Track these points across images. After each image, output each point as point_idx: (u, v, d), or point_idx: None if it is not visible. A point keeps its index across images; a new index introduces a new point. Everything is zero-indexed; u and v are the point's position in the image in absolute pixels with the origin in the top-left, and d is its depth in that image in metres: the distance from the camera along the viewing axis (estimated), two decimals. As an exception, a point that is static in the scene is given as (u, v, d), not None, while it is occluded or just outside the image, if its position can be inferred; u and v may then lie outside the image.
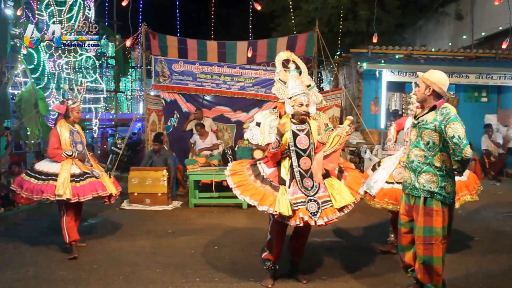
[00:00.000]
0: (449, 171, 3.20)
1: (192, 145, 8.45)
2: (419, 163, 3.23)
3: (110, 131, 13.71)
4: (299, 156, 3.67)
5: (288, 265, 3.99)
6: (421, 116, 3.28)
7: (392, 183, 4.48)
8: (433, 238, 3.16)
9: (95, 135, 11.46)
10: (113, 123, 13.21)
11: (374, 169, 5.03)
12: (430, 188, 3.17)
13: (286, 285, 3.81)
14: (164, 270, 4.18)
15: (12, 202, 6.76)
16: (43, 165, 4.70)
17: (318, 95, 3.93)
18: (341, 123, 10.00)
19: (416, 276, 3.36)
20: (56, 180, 4.48)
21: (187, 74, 8.91)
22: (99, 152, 12.59)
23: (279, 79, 3.83)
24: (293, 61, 3.91)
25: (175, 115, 9.20)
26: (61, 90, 8.84)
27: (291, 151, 3.68)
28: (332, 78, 13.25)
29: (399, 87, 10.14)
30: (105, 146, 13.44)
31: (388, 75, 9.90)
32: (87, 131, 10.87)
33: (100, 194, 4.68)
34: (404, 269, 3.54)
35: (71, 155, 4.65)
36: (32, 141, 8.50)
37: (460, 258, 4.49)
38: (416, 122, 3.31)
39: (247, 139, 3.88)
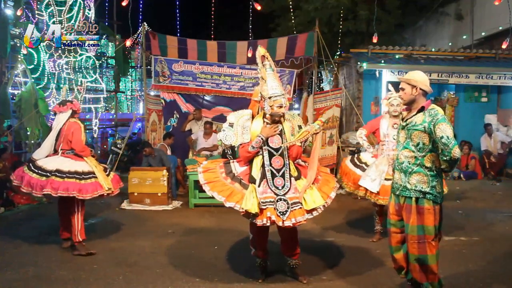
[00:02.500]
0: (438, 171, 3.25)
1: (192, 142, 8.44)
2: (409, 164, 3.26)
3: (110, 131, 13.71)
4: (271, 155, 3.71)
5: (287, 266, 3.98)
6: (409, 118, 3.32)
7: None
8: (425, 237, 3.19)
9: (95, 135, 11.46)
10: (113, 123, 13.21)
11: (356, 164, 5.16)
12: (422, 188, 3.19)
13: (286, 285, 3.81)
14: (164, 270, 4.18)
15: (12, 202, 6.76)
16: (66, 164, 4.63)
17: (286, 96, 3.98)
18: (341, 123, 10.06)
19: (411, 276, 3.35)
20: (95, 177, 4.62)
21: (187, 74, 8.91)
22: (99, 152, 12.58)
23: (261, 77, 3.84)
24: (268, 59, 3.88)
25: (174, 115, 9.21)
26: (61, 90, 8.83)
27: (263, 150, 3.71)
28: (332, 78, 13.24)
29: (399, 87, 10.13)
30: (105, 146, 13.44)
31: (388, 75, 9.89)
32: (87, 131, 10.87)
33: (121, 185, 5.05)
34: (397, 271, 3.54)
35: (92, 152, 4.93)
36: (32, 141, 8.50)
37: (460, 258, 4.49)
38: (404, 124, 3.35)
39: (220, 140, 3.88)
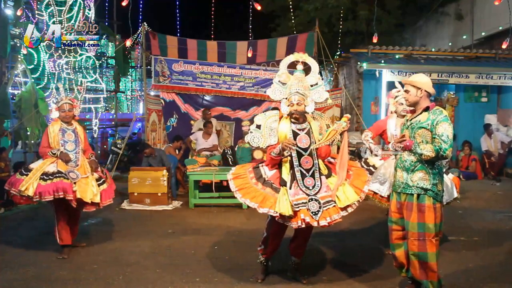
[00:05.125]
0: (440, 169, 3.34)
1: (192, 143, 8.43)
2: (412, 162, 3.33)
3: (110, 131, 13.70)
4: (300, 155, 3.67)
5: (288, 265, 3.99)
6: (414, 117, 3.40)
7: None
8: (426, 234, 3.24)
9: (95, 135, 11.46)
10: (113, 123, 13.20)
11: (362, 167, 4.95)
12: (424, 185, 3.27)
13: (286, 285, 3.81)
14: (164, 270, 4.18)
15: (12, 202, 6.76)
16: (35, 163, 4.69)
17: (323, 94, 3.85)
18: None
19: (412, 274, 3.38)
20: (25, 175, 4.43)
21: (187, 74, 8.92)
22: (99, 152, 12.59)
23: (279, 81, 3.82)
24: (302, 62, 3.85)
25: (174, 115, 9.21)
26: (59, 89, 8.84)
27: (291, 151, 3.67)
28: (332, 78, 13.24)
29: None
30: (105, 146, 13.43)
31: (388, 75, 9.89)
32: (87, 131, 10.86)
33: (60, 195, 4.34)
34: (398, 269, 3.57)
35: (55, 154, 4.53)
36: (32, 141, 8.50)
37: (460, 258, 4.49)
38: (409, 124, 3.41)
39: (248, 142, 3.82)
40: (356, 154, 8.66)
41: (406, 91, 3.41)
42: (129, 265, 4.30)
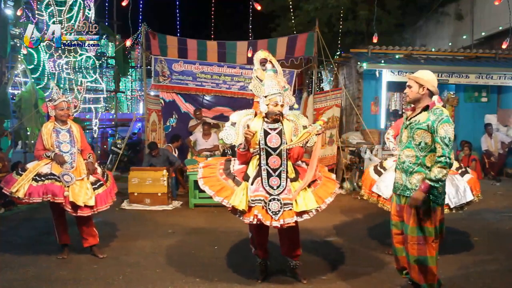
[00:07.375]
0: None
1: (192, 143, 8.44)
2: (410, 163, 3.26)
3: (110, 131, 13.71)
4: (268, 155, 3.68)
5: (287, 266, 3.98)
6: (413, 117, 3.31)
7: None
8: (426, 238, 3.18)
9: (95, 135, 11.47)
10: (113, 123, 13.21)
11: (376, 170, 4.86)
12: None
13: (286, 285, 3.81)
14: (164, 270, 4.18)
15: (12, 202, 6.76)
16: (31, 163, 4.59)
17: (292, 98, 3.98)
18: (341, 123, 10.06)
19: (411, 277, 3.35)
20: (18, 174, 4.38)
21: (187, 74, 8.92)
22: (99, 152, 12.59)
23: (256, 77, 3.84)
24: (270, 61, 3.89)
25: (173, 116, 9.21)
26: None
27: (261, 149, 3.68)
28: (332, 78, 13.24)
29: (399, 87, 10.13)
30: (105, 146, 13.44)
31: (388, 75, 9.88)
32: (87, 131, 10.88)
33: (49, 198, 4.26)
34: (399, 271, 3.54)
35: (49, 156, 4.44)
36: (32, 141, 8.51)
37: (460, 258, 4.49)
38: (408, 123, 3.34)
39: (222, 139, 3.87)
40: (356, 154, 8.67)
41: (408, 86, 3.32)
42: (129, 265, 4.30)
